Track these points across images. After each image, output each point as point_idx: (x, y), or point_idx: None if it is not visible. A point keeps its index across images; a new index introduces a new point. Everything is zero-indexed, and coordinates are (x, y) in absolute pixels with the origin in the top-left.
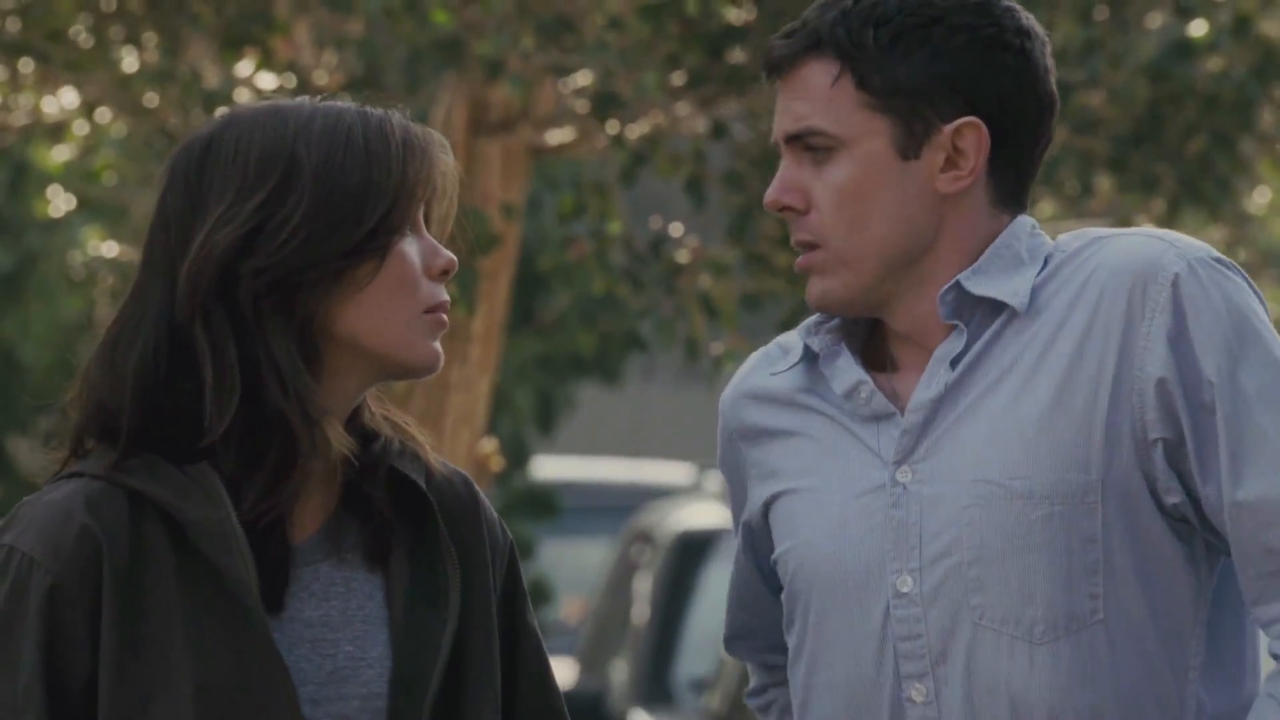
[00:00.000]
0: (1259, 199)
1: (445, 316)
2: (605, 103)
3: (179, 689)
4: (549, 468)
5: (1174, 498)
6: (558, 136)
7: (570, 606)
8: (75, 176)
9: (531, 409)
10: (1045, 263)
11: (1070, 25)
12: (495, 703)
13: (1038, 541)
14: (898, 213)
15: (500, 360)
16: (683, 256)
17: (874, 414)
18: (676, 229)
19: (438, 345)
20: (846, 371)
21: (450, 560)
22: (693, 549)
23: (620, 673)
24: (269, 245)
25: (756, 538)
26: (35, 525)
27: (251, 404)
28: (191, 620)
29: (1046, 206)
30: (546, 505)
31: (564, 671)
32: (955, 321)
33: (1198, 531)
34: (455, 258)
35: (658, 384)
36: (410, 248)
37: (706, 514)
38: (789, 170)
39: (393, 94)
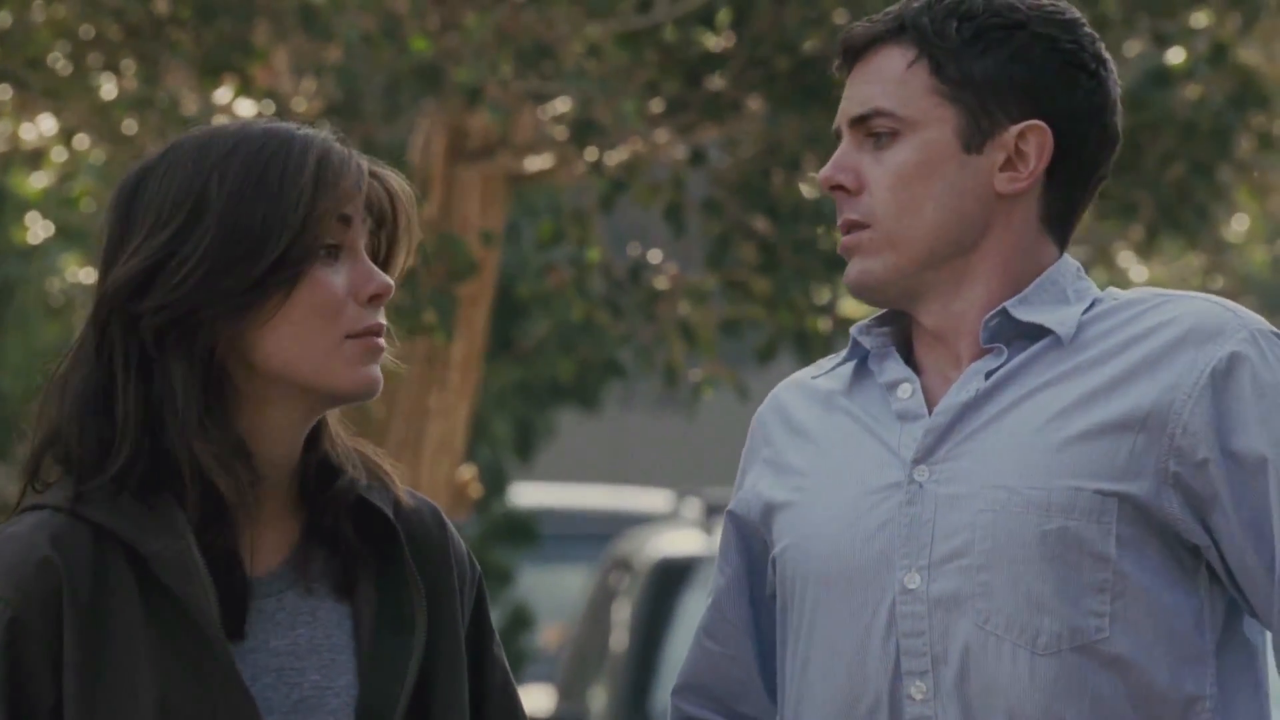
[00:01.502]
0: (1237, 226)
1: (379, 340)
2: (584, 130)
3: (144, 717)
4: (528, 495)
5: (1195, 540)
6: (537, 163)
7: (549, 633)
8: (53, 203)
9: (510, 436)
10: (1092, 305)
11: None
12: None
13: (1049, 553)
14: (952, 202)
15: (479, 387)
16: (661, 283)
17: (904, 412)
18: (655, 256)
19: (372, 370)
20: (894, 370)
21: (417, 590)
22: (672, 576)
23: (599, 700)
24: (167, 283)
25: (749, 530)
26: None
27: (156, 441)
28: (156, 651)
29: None
30: (525, 532)
31: (543, 698)
32: (996, 344)
33: (1204, 566)
34: (389, 282)
35: (636, 411)
36: (332, 275)
37: (685, 541)
38: (846, 151)
39: (371, 121)
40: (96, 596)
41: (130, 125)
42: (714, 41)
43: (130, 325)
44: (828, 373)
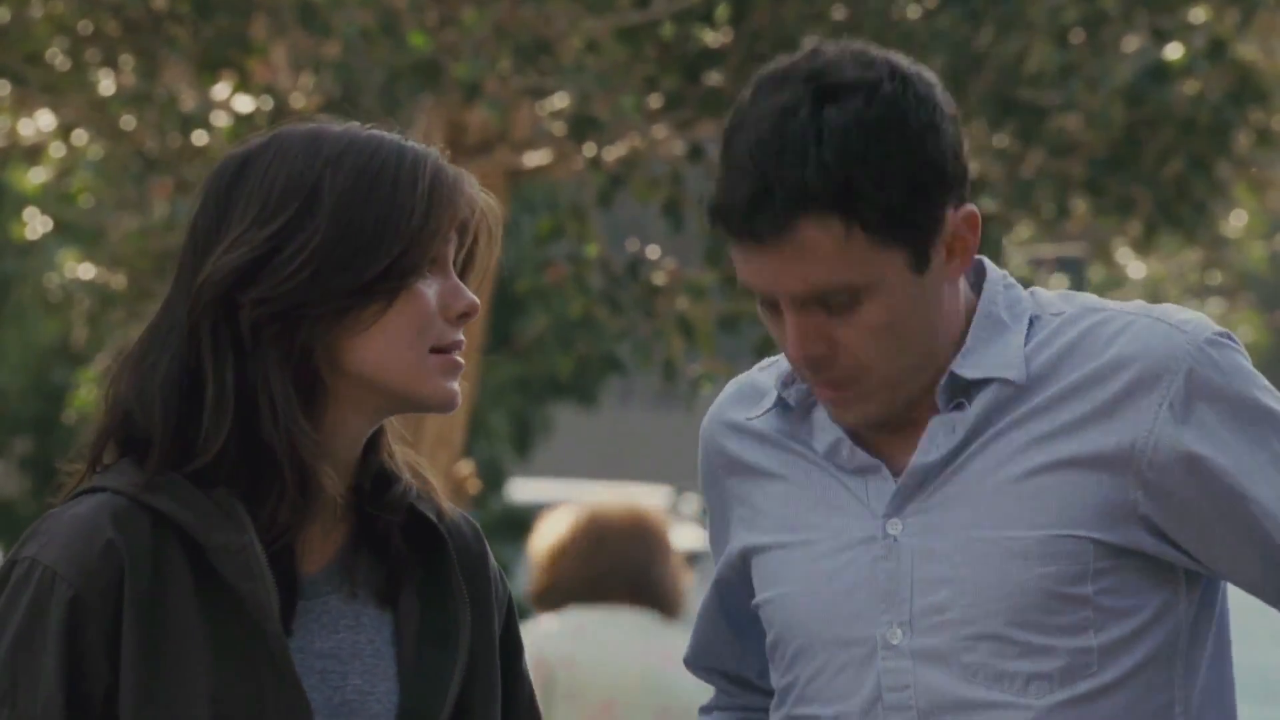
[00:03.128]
0: (1235, 222)
1: (459, 358)
2: (582, 125)
3: (198, 710)
4: (526, 490)
5: (1174, 560)
6: (535, 159)
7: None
8: (52, 199)
9: (508, 431)
10: (1030, 324)
11: (1047, 49)
12: None
13: (1031, 602)
14: (931, 322)
15: (477, 383)
16: (660, 279)
17: (859, 468)
18: (654, 251)
19: (453, 384)
20: (825, 429)
21: (462, 602)
22: None
23: None
24: (275, 276)
25: (732, 575)
26: (59, 539)
27: (248, 432)
28: (210, 642)
29: (1023, 229)
30: (523, 527)
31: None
32: (956, 401)
33: (1181, 572)
34: (478, 301)
35: (635, 406)
36: (428, 289)
37: (684, 536)
38: (806, 323)
39: (370, 116)
40: (155, 584)
41: (128, 121)
42: (712, 37)
43: (228, 315)
44: (760, 417)
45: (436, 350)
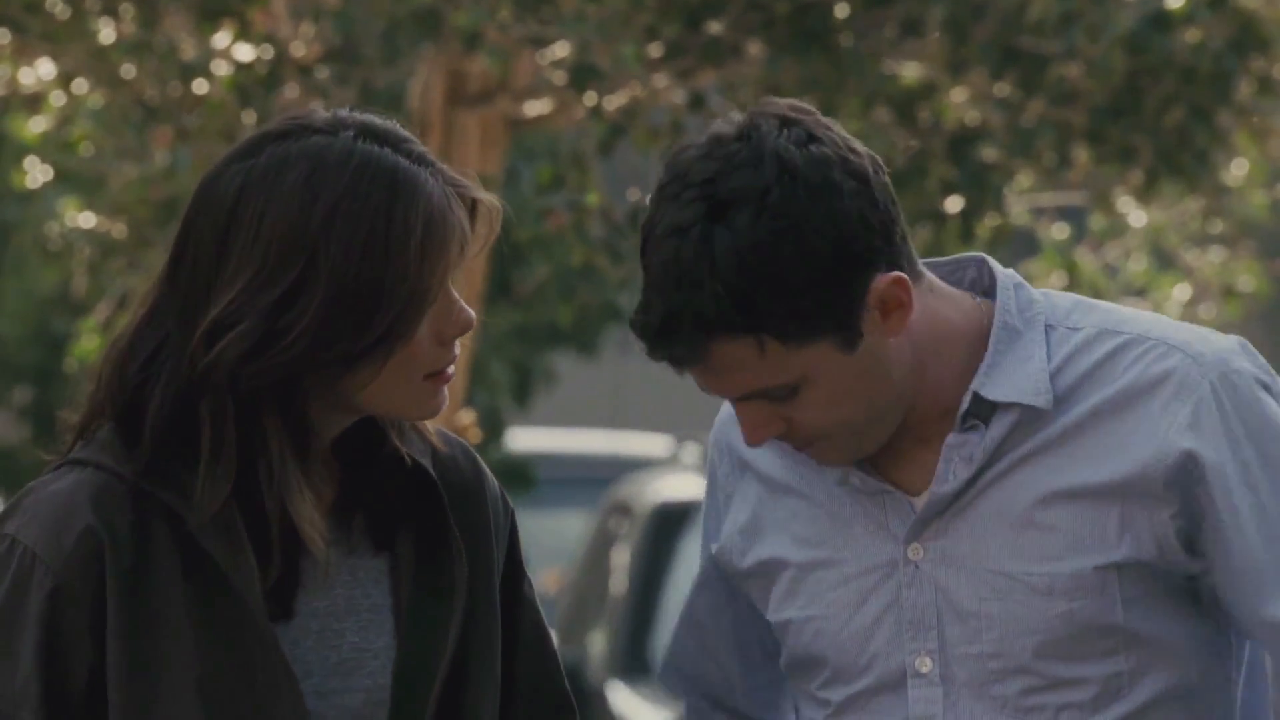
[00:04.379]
0: (1236, 171)
1: (451, 371)
2: (583, 74)
3: (184, 686)
4: (526, 440)
5: (1196, 570)
6: (535, 108)
7: (548, 578)
8: (52, 147)
9: (509, 381)
10: (1046, 335)
11: None
12: (495, 689)
13: (1058, 635)
14: (878, 386)
15: (477, 332)
16: None
17: (872, 491)
18: None
19: (440, 400)
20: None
21: (457, 551)
22: (671, 520)
23: (598, 644)
24: (276, 348)
25: (732, 581)
26: (39, 519)
27: (243, 480)
28: (197, 617)
29: (1024, 178)
30: (523, 477)
31: None
32: (972, 421)
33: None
34: (472, 318)
35: (635, 355)
36: (421, 327)
37: (684, 485)
38: (754, 414)
39: (370, 66)
40: (138, 561)
41: (129, 70)
42: None
43: (230, 381)
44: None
45: (429, 376)
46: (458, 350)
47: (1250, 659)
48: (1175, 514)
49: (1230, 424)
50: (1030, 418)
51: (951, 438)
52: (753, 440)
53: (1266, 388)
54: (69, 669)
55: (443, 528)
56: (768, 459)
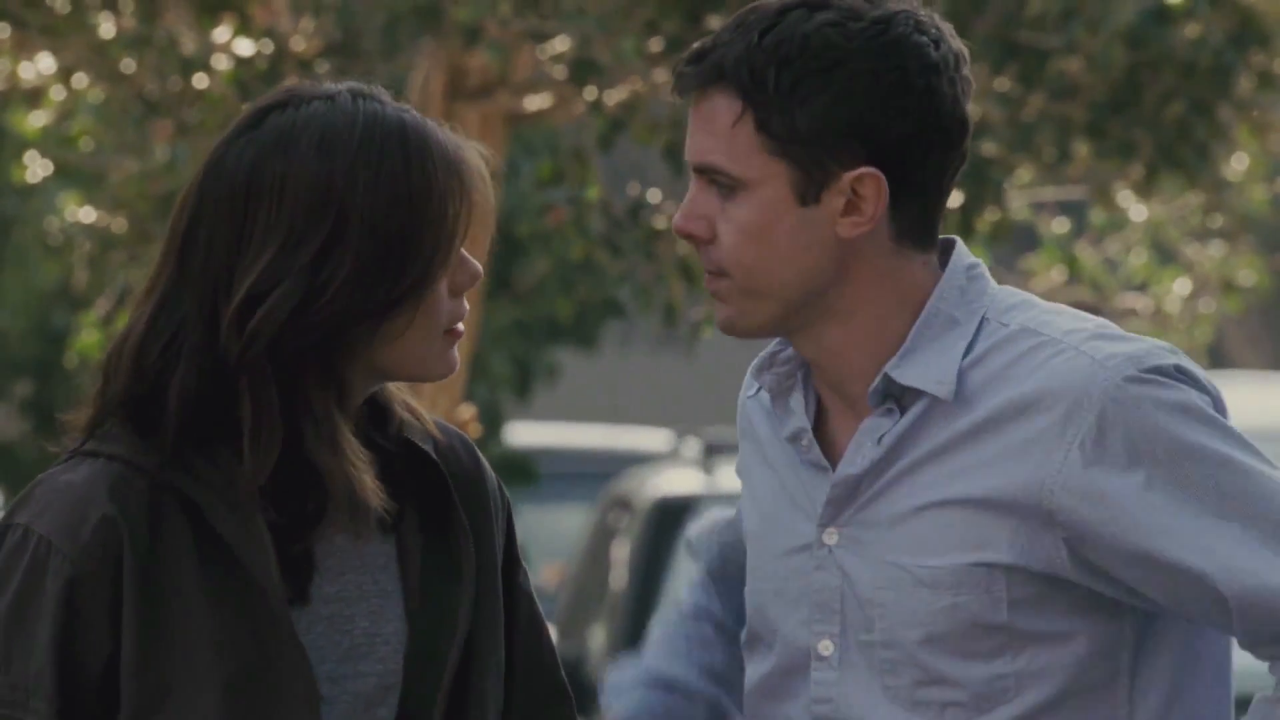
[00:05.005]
0: (1236, 165)
1: (461, 325)
2: (583, 69)
3: (200, 674)
4: (526, 434)
5: (1105, 590)
6: (536, 102)
7: (548, 573)
8: (52, 142)
9: (509, 375)
10: (979, 328)
11: None
12: (499, 671)
13: (943, 630)
14: (797, 256)
15: (478, 326)
16: (661, 222)
17: (813, 463)
18: (655, 195)
19: (454, 354)
20: (794, 414)
21: (464, 535)
22: (670, 515)
23: (598, 639)
24: (316, 305)
25: (728, 556)
26: (53, 508)
27: (286, 450)
28: (213, 605)
29: (1024, 173)
30: (524, 472)
31: None
32: (886, 404)
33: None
34: (480, 270)
35: (635, 350)
36: (442, 280)
37: (684, 480)
38: (697, 198)
39: (370, 60)
40: (154, 550)
41: (129, 64)
42: None
43: (271, 343)
44: (752, 396)
45: (446, 330)
46: (466, 308)
47: (1191, 651)
48: (1069, 537)
49: (1121, 448)
50: (941, 409)
51: (868, 421)
52: (681, 220)
53: (1176, 405)
54: (84, 658)
55: (448, 511)
56: (764, 427)
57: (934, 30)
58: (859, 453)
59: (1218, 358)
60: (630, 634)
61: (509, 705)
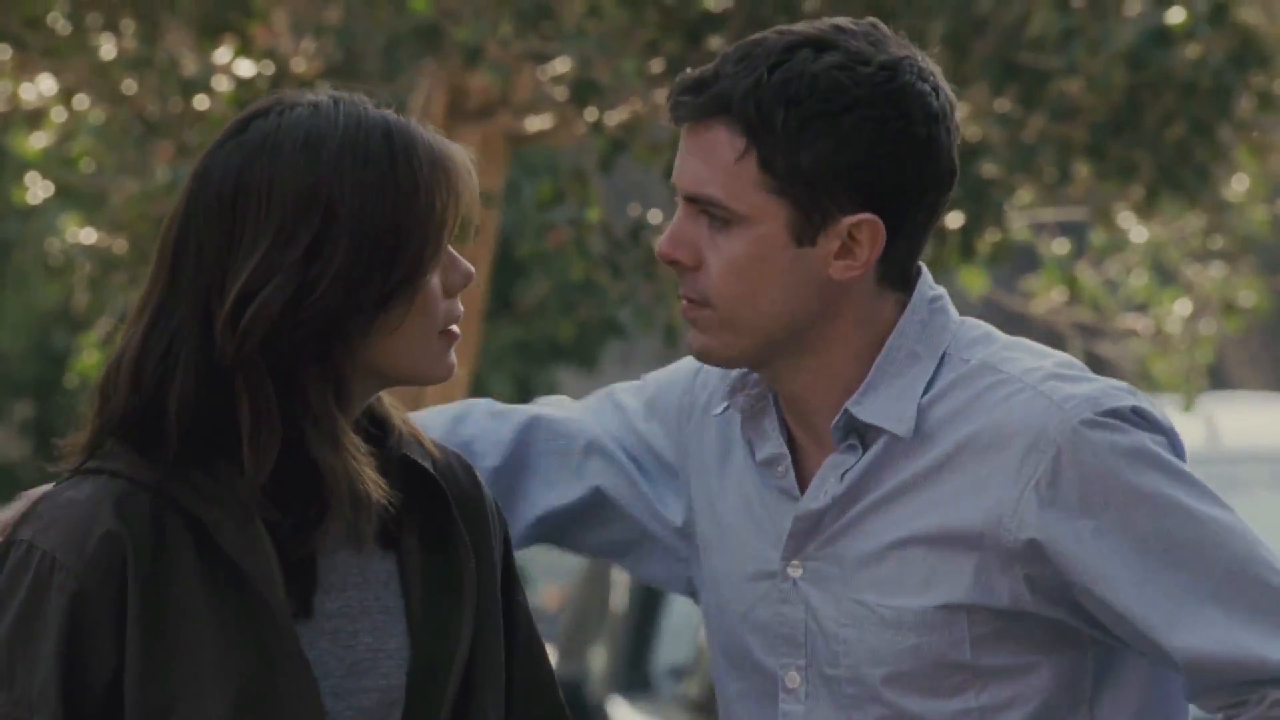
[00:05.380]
0: (1237, 186)
1: (457, 328)
2: (584, 90)
3: (205, 689)
4: None
5: (1067, 620)
6: (536, 123)
7: (549, 593)
8: (53, 163)
9: (510, 396)
10: (941, 364)
11: (1048, 12)
12: (500, 689)
13: (907, 668)
14: (786, 295)
15: (479, 347)
16: None
17: (783, 490)
18: (655, 216)
19: (451, 357)
20: (769, 439)
21: (465, 549)
22: None
23: (599, 660)
24: (309, 300)
25: (657, 493)
26: (56, 524)
27: (286, 448)
28: (217, 621)
29: (1025, 194)
30: None
31: None
32: (849, 440)
33: (1071, 627)
34: (472, 270)
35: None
36: (434, 275)
37: None
38: (683, 225)
39: (371, 81)
40: (158, 565)
41: (130, 85)
42: (714, 1)
43: (267, 341)
44: (718, 414)
45: (442, 330)
46: (461, 309)
47: (1154, 675)
48: (1029, 574)
49: (1075, 492)
50: (902, 447)
51: (832, 456)
52: (665, 246)
53: (1130, 450)
54: (88, 673)
55: (448, 528)
56: (729, 446)
57: (932, 77)
58: (822, 488)
59: (1218, 379)
60: (631, 655)
61: None
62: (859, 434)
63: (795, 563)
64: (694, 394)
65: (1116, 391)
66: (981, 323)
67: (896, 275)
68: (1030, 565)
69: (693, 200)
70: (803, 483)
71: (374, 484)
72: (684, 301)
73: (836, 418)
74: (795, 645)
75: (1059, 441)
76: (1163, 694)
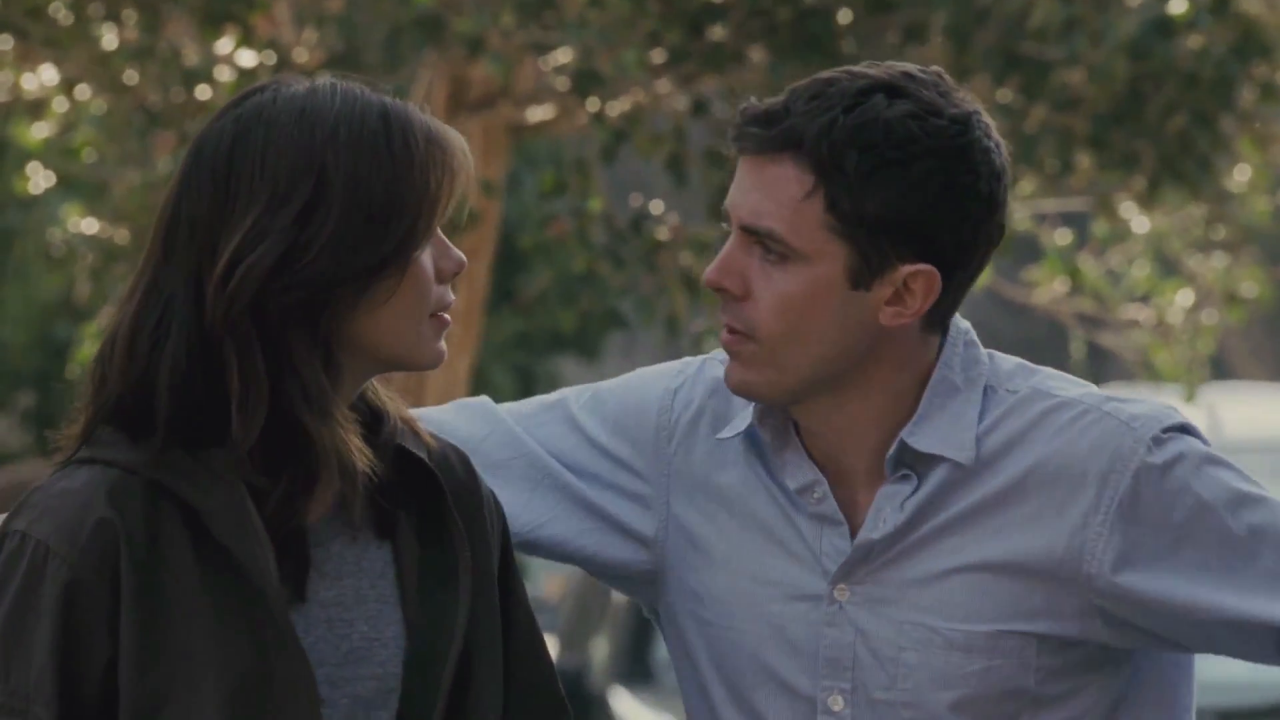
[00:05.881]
0: (1239, 177)
1: (448, 315)
2: (586, 80)
3: (201, 677)
4: None
5: (1128, 645)
6: (538, 114)
7: (550, 584)
8: (55, 153)
9: (511, 387)
10: (985, 396)
11: (1050, 3)
12: (498, 680)
13: (972, 693)
14: (836, 336)
15: (480, 338)
16: (663, 234)
17: (821, 515)
18: (657, 206)
19: (442, 344)
20: (799, 466)
21: (460, 540)
22: None
23: (600, 650)
24: (299, 264)
25: (620, 519)
26: (51, 514)
27: (275, 416)
28: (212, 608)
29: (1027, 184)
30: None
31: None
32: (902, 470)
33: (1125, 651)
34: (464, 258)
35: (638, 361)
36: (426, 256)
37: None
38: (735, 253)
39: (373, 72)
40: (152, 553)
41: (131, 75)
42: None
43: (255, 306)
44: (729, 438)
45: (433, 314)
46: (453, 297)
47: (1167, 686)
48: (1104, 606)
49: (1158, 507)
50: (960, 475)
51: (886, 486)
52: (714, 273)
53: (1201, 458)
54: (84, 662)
55: (443, 515)
56: (743, 469)
57: (995, 134)
58: (879, 517)
59: (1220, 369)
60: (632, 647)
61: (507, 717)
62: (909, 465)
63: (843, 586)
64: (674, 412)
65: (1167, 408)
66: (1007, 355)
67: (939, 321)
68: (1108, 594)
69: (750, 231)
70: (844, 510)
71: (360, 452)
72: (726, 332)
73: (891, 450)
74: (841, 669)
75: (1135, 460)
76: (1171, 704)
